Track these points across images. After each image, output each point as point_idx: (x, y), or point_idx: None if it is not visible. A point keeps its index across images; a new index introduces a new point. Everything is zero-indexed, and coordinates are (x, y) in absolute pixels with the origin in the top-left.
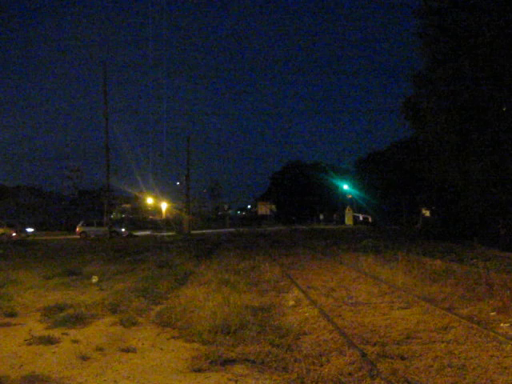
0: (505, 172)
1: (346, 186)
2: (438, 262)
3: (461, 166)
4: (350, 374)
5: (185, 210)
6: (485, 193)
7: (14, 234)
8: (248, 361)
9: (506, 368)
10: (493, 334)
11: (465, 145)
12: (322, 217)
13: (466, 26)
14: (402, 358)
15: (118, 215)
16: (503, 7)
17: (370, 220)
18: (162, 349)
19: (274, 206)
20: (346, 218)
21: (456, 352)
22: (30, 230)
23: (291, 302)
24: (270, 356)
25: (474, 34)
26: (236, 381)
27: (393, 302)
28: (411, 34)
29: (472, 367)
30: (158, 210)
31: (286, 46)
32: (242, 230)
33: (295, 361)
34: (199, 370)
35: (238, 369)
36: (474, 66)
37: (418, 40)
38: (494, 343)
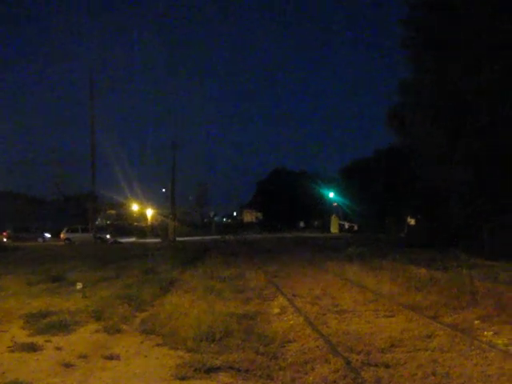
0: (487, 182)
1: (331, 194)
2: (423, 270)
3: (445, 175)
4: (334, 382)
5: (170, 216)
6: (468, 202)
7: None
8: (233, 369)
9: (489, 376)
10: (477, 342)
11: (448, 154)
12: (302, 225)
13: (450, 36)
14: (387, 366)
15: (103, 221)
16: (488, 17)
17: (355, 228)
18: (146, 356)
19: (259, 214)
20: (332, 226)
21: (440, 360)
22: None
23: (276, 310)
24: (255, 364)
25: (458, 45)
26: None
27: (378, 310)
28: (397, 44)
29: (456, 375)
30: (143, 217)
31: (272, 53)
32: (227, 237)
33: (280, 369)
34: (183, 378)
35: (223, 377)
36: (458, 77)
37: (403, 49)
38: (478, 351)
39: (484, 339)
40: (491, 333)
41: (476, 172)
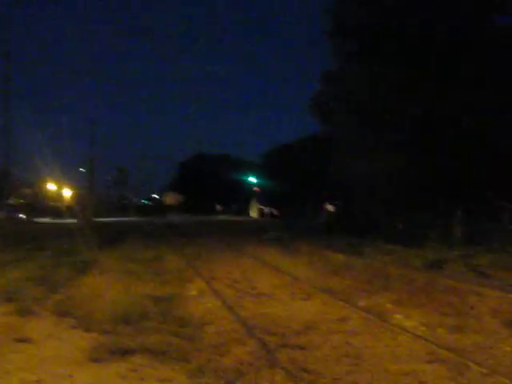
0: (402, 172)
1: (253, 179)
2: (340, 255)
3: (366, 164)
4: (250, 363)
5: (88, 197)
6: (386, 192)
7: None
8: (148, 351)
9: (398, 357)
10: (388, 325)
11: (369, 144)
12: (219, 208)
13: (374, 28)
14: (301, 348)
15: (17, 201)
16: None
17: (275, 213)
18: (59, 339)
19: (181, 197)
20: (252, 211)
21: (353, 342)
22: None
23: (194, 293)
24: (171, 346)
25: (381, 36)
26: (135, 371)
27: (294, 294)
28: (322, 33)
29: (367, 356)
30: (60, 197)
31: (192, 32)
32: (147, 219)
33: (196, 351)
34: (98, 360)
35: (138, 359)
36: (381, 69)
37: (328, 39)
38: (389, 334)
39: (395, 322)
40: (402, 316)
41: (396, 164)
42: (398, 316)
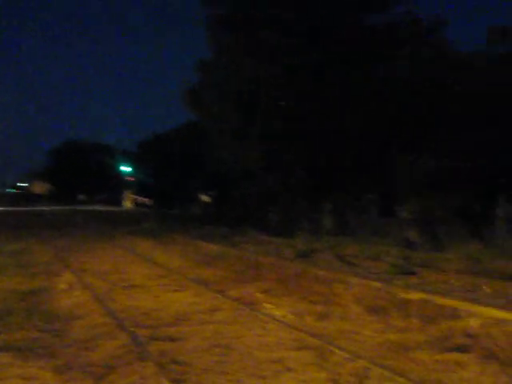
0: (274, 163)
1: (126, 168)
2: (213, 246)
3: (240, 154)
4: (119, 357)
5: None
6: (260, 182)
7: None
8: (13, 348)
9: (267, 345)
10: (258, 314)
11: (243, 135)
12: (83, 197)
13: (245, 17)
14: (172, 340)
15: None
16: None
17: (149, 203)
18: None
19: (51, 185)
20: (126, 201)
21: (224, 332)
22: None
23: (63, 286)
24: (37, 342)
25: (253, 27)
26: None
27: (167, 285)
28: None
29: (238, 346)
30: None
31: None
32: (14, 209)
33: (64, 346)
34: None
35: (2, 357)
36: (252, 60)
37: (204, 28)
38: (259, 323)
39: (265, 311)
40: (272, 305)
41: (268, 154)
42: (268, 305)
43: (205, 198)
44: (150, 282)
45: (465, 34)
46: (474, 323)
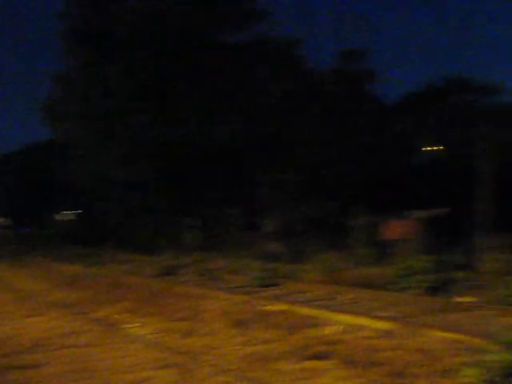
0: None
1: None
2: (76, 266)
3: (99, 172)
4: None
5: None
6: (122, 200)
7: None
8: None
9: (132, 366)
10: (122, 334)
11: (101, 152)
12: None
13: (101, 33)
14: (31, 367)
15: None
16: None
17: (8, 223)
18: None
19: None
20: None
21: (87, 355)
22: None
23: None
24: None
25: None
26: None
27: (25, 310)
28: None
29: (101, 368)
30: None
31: None
32: None
33: None
34: None
35: None
36: (111, 76)
37: (60, 42)
38: (123, 344)
39: (129, 331)
40: (137, 324)
41: (128, 172)
42: (132, 325)
43: (68, 215)
44: (7, 308)
45: (321, 54)
46: (333, 330)
